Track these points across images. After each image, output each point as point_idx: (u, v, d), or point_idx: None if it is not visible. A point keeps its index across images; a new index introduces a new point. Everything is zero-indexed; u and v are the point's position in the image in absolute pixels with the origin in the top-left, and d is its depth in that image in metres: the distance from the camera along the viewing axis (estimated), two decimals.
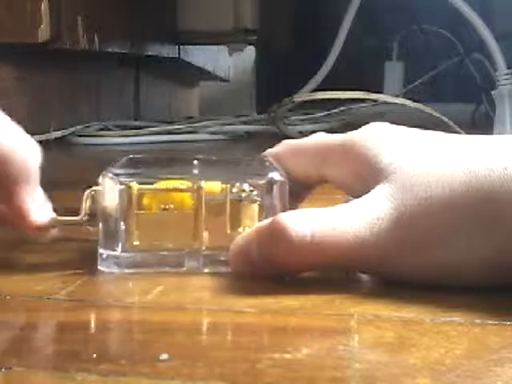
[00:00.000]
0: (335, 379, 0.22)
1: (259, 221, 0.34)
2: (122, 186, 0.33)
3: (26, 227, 0.34)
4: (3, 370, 0.22)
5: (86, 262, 0.34)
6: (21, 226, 0.34)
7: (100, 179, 0.33)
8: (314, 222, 0.31)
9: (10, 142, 0.32)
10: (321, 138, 0.37)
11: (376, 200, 0.31)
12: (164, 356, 0.24)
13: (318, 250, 0.30)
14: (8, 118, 0.33)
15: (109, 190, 0.33)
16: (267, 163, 0.36)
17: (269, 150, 0.39)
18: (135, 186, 0.33)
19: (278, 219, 0.31)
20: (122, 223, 0.33)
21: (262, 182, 0.34)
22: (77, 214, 0.34)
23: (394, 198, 0.31)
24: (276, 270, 0.32)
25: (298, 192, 0.38)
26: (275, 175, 0.34)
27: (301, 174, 0.37)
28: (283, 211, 0.32)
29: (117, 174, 0.33)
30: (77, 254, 0.37)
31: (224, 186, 0.34)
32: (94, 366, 0.23)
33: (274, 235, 0.31)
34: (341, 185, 0.36)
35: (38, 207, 0.34)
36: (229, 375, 0.22)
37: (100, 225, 0.33)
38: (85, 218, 0.34)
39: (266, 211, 0.34)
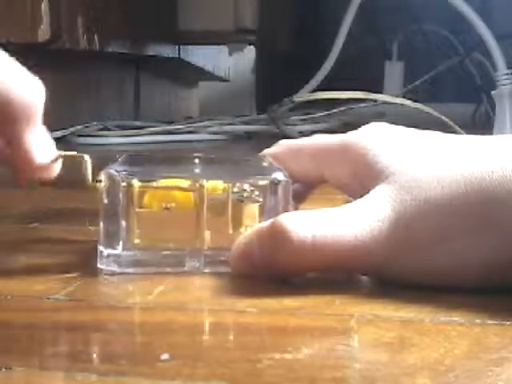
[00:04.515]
0: (335, 379, 0.22)
1: (261, 221, 0.33)
2: (124, 184, 0.33)
3: (29, 168, 0.33)
4: (3, 369, 0.22)
5: (86, 263, 0.34)
6: (24, 166, 0.33)
7: (101, 176, 0.33)
8: (315, 224, 0.30)
9: (6, 80, 0.31)
10: (319, 138, 0.37)
11: (376, 201, 0.31)
12: (164, 356, 0.24)
13: (319, 253, 0.30)
14: (5, 55, 0.32)
15: (110, 187, 0.33)
16: (269, 163, 0.36)
17: (266, 150, 0.39)
18: (136, 183, 0.33)
19: (279, 221, 0.31)
20: (122, 221, 0.33)
21: (265, 182, 0.34)
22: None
23: (393, 200, 0.31)
24: (277, 271, 0.32)
25: (299, 192, 0.38)
26: (279, 175, 0.34)
27: (299, 174, 0.37)
28: (286, 211, 0.32)
29: (118, 171, 0.33)
30: (77, 255, 0.37)
31: (226, 185, 0.34)
32: (94, 365, 0.23)
33: (275, 237, 0.31)
34: (339, 185, 0.36)
35: (40, 147, 0.33)
36: (229, 375, 0.22)
37: (101, 223, 0.33)
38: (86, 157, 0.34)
39: (269, 211, 0.34)
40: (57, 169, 0.34)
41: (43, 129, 0.33)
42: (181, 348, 0.25)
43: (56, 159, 0.34)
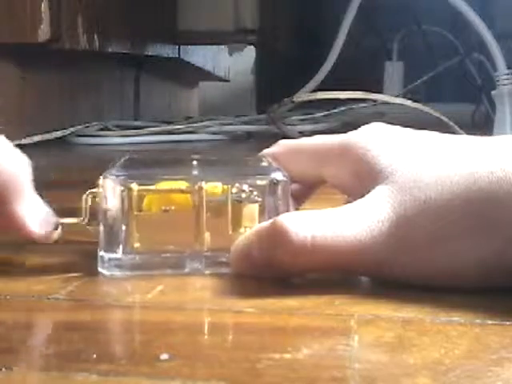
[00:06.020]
0: (335, 379, 0.22)
1: (260, 221, 0.33)
2: (123, 188, 0.33)
3: (27, 238, 0.34)
4: (3, 369, 0.22)
5: (86, 263, 0.34)
6: (23, 237, 0.34)
7: (100, 181, 0.33)
8: (315, 225, 0.30)
9: None
10: (319, 139, 0.37)
11: (376, 202, 0.31)
12: (164, 356, 0.24)
13: (319, 253, 0.30)
14: None
15: (109, 192, 0.33)
16: (268, 163, 0.36)
17: (266, 150, 0.39)
18: (135, 187, 0.33)
19: (279, 221, 0.31)
20: (122, 225, 0.33)
21: (264, 182, 0.34)
22: (77, 216, 0.35)
23: (393, 200, 0.31)
24: (277, 271, 0.32)
25: (299, 193, 0.38)
26: (278, 175, 0.34)
27: (298, 174, 0.37)
28: (285, 212, 0.32)
29: (117, 176, 0.33)
30: (77, 255, 0.37)
31: (225, 186, 0.34)
32: (94, 366, 0.23)
33: (275, 238, 0.31)
34: (338, 185, 0.36)
35: (36, 218, 0.34)
36: (229, 375, 0.22)
37: (100, 227, 0.33)
38: (86, 220, 0.35)
39: (268, 212, 0.34)
40: (56, 236, 0.35)
41: (37, 199, 0.34)
42: (181, 348, 0.25)
43: (55, 227, 0.34)
